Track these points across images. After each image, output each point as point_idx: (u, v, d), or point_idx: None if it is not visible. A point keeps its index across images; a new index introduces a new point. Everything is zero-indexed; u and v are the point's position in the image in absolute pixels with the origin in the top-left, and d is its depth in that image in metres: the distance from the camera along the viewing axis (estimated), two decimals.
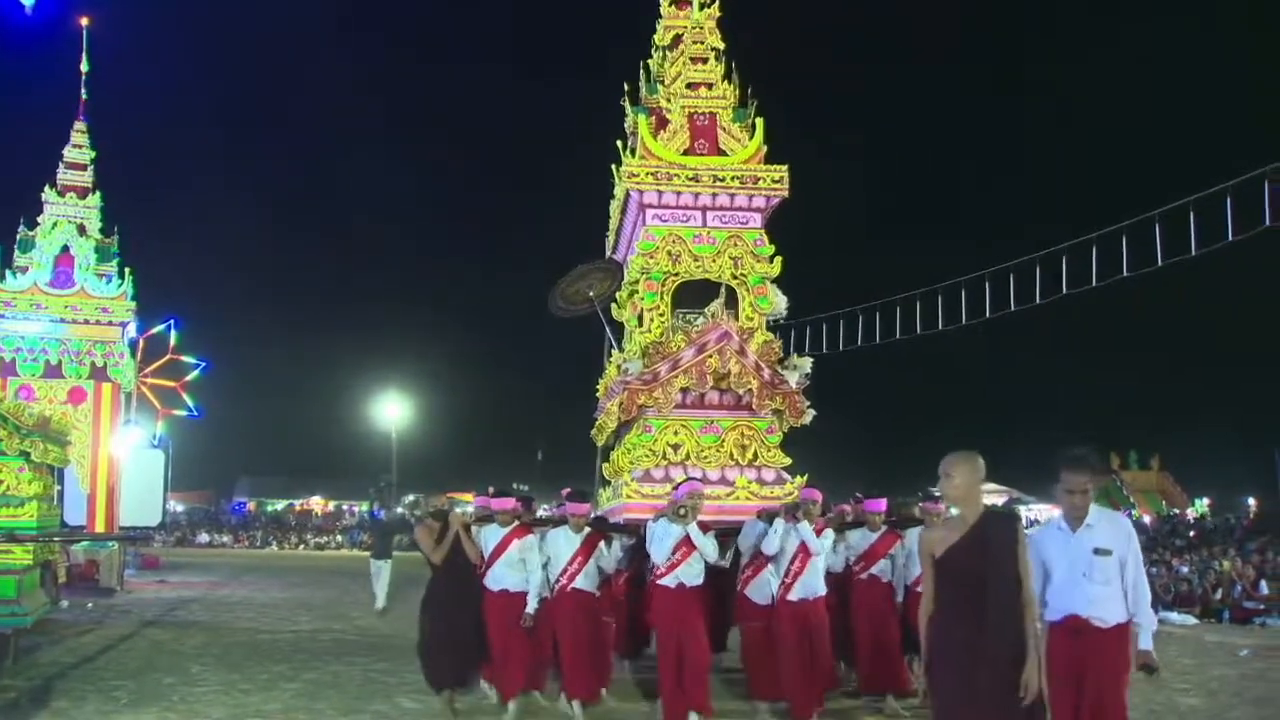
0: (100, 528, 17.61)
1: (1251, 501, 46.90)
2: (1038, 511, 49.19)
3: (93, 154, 20.06)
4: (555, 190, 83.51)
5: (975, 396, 54.70)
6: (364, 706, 8.30)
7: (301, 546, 43.07)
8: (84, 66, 20.61)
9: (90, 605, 15.46)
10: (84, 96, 20.56)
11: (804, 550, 7.67)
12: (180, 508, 50.90)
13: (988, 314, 20.19)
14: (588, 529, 8.04)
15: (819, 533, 7.77)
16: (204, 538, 43.46)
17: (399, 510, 47.73)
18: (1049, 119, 72.88)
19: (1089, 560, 4.85)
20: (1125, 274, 17.47)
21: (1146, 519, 39.75)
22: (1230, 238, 15.71)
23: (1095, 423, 49.44)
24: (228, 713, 7.97)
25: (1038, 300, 19.16)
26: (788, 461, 10.20)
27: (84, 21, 20.82)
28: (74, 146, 20.01)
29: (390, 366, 54.71)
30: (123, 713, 7.95)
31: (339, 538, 43.92)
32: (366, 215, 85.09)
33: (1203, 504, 47.88)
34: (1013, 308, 19.69)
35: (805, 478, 9.73)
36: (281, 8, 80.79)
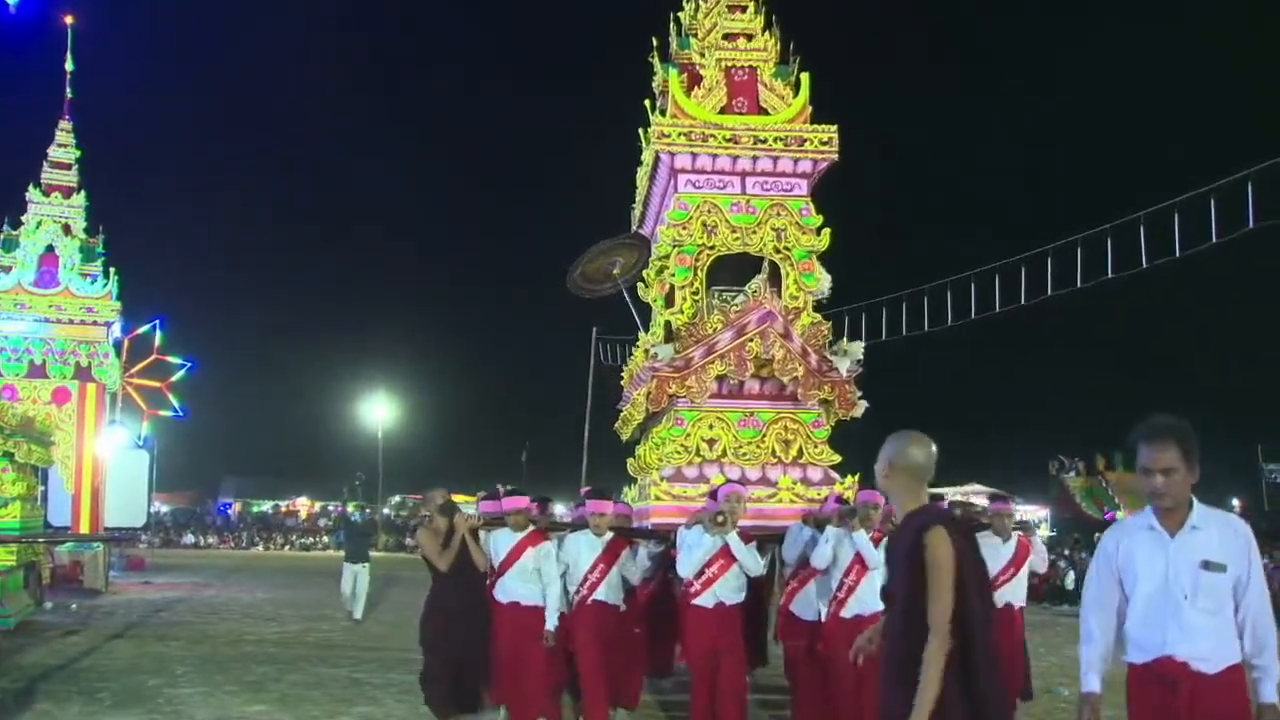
0: (85, 529, 17.57)
1: (1235, 502, 47.25)
2: (1024, 512, 49.50)
3: (78, 153, 20.01)
4: (553, 191, 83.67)
5: (961, 396, 54.98)
6: (349, 709, 8.27)
7: (287, 547, 42.97)
8: (69, 65, 20.55)
9: (74, 606, 15.36)
10: (69, 95, 20.53)
11: (859, 562, 6.71)
12: (165, 509, 50.67)
13: (973, 314, 20.22)
14: (610, 533, 7.07)
15: (877, 542, 6.72)
16: (189, 539, 43.23)
17: (385, 511, 47.66)
18: (1045, 118, 73.36)
19: (1193, 578, 3.41)
20: (1109, 275, 17.54)
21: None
22: (1214, 239, 15.80)
23: (1081, 423, 49.73)
24: (212, 714, 7.94)
25: (1023, 301, 19.21)
26: (837, 459, 9.13)
27: (69, 20, 20.79)
28: (59, 145, 19.95)
29: (377, 367, 54.87)
30: (106, 714, 7.91)
31: (325, 538, 43.78)
32: (355, 217, 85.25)
33: None
34: (997, 309, 19.73)
35: (858, 477, 8.60)
36: (273, 6, 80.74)
